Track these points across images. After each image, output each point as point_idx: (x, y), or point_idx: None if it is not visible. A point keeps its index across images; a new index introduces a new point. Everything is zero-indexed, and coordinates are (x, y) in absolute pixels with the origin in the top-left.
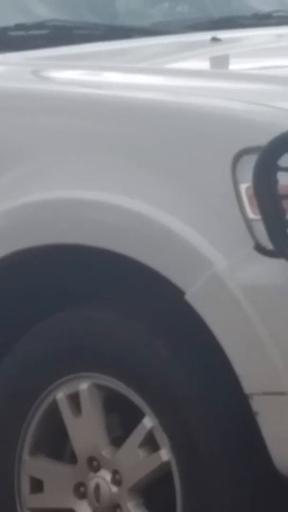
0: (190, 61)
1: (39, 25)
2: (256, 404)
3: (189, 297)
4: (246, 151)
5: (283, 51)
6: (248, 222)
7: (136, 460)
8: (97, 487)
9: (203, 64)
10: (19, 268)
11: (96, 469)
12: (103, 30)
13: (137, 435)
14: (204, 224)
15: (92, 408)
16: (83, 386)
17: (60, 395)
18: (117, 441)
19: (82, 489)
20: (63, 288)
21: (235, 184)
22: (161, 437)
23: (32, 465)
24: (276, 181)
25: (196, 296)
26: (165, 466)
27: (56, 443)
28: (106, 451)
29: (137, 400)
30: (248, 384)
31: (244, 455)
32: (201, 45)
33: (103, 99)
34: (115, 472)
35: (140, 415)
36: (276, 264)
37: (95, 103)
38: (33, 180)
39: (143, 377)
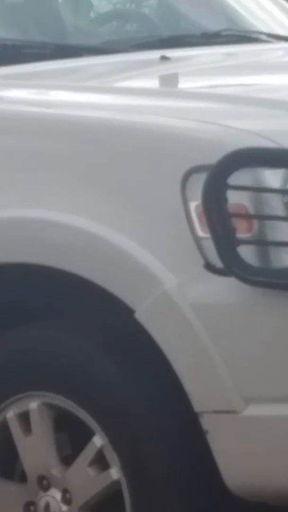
0: (139, 79)
1: None
2: (206, 422)
3: (139, 315)
4: (195, 169)
5: (231, 69)
6: (197, 240)
7: (86, 479)
8: (47, 506)
9: (152, 83)
10: None
11: (46, 488)
12: (52, 49)
13: (87, 454)
14: (153, 242)
15: (42, 427)
16: (33, 405)
17: (10, 414)
18: (67, 460)
19: (32, 508)
20: (12, 307)
21: (185, 202)
22: (111, 456)
23: None
24: (225, 199)
25: (146, 314)
26: (115, 485)
27: (6, 462)
28: (56, 470)
29: (87, 418)
30: (198, 402)
31: (194, 473)
32: (150, 63)
33: (52, 118)
34: (65, 491)
35: (90, 434)
36: (225, 282)
37: (44, 122)
38: None
39: (93, 396)
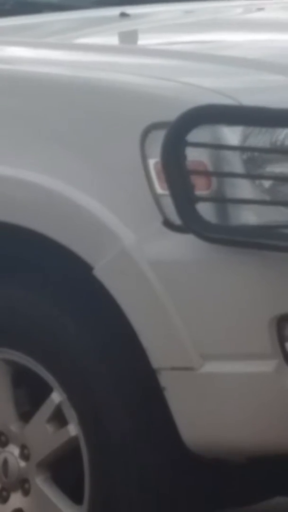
0: (99, 36)
1: None
2: (164, 379)
3: (98, 272)
4: (154, 126)
5: (191, 27)
6: (156, 197)
7: (44, 435)
8: (5, 462)
9: (112, 39)
10: None
11: (4, 444)
12: (12, 4)
13: (45, 410)
14: (112, 199)
15: (0, 383)
16: None
17: None
18: (26, 416)
19: None
20: None
21: (144, 159)
22: (69, 412)
23: None
24: (184, 157)
25: (104, 271)
26: (73, 441)
27: None
28: (14, 426)
29: (45, 375)
30: (156, 359)
31: (152, 430)
32: (110, 20)
33: (11, 74)
34: (23, 447)
35: (48, 390)
36: (184, 239)
37: (2, 78)
38: None
39: (51, 352)
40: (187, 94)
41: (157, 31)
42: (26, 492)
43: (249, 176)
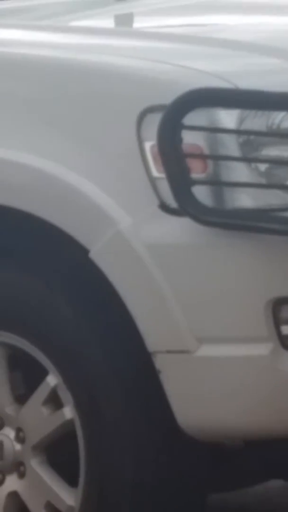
0: (94, 19)
1: None
2: (159, 362)
3: (93, 254)
4: (150, 109)
5: (187, 9)
6: (152, 180)
7: (39, 417)
8: (1, 445)
9: (107, 22)
10: None
11: None
12: None
13: (41, 393)
14: (109, 182)
15: None
16: None
17: None
18: (21, 398)
19: None
20: None
21: (140, 142)
22: (65, 395)
23: None
24: (180, 140)
25: (100, 253)
26: (69, 424)
27: None
28: (9, 409)
29: (41, 357)
30: (151, 342)
31: (147, 413)
32: (106, 3)
33: (6, 56)
34: (18, 430)
35: (44, 373)
36: (180, 222)
37: None
38: None
39: (47, 335)
40: (183, 77)
41: (153, 13)
42: (21, 475)
43: (245, 159)
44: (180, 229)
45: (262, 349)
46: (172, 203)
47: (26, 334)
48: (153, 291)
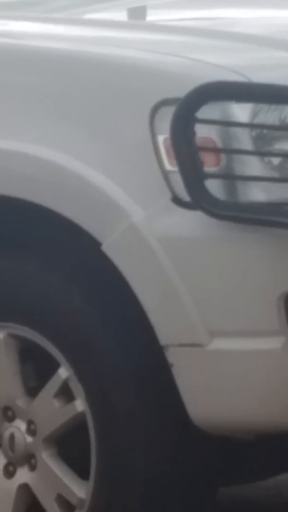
0: (108, 12)
1: None
2: (172, 356)
3: (106, 247)
4: (164, 103)
5: (201, 3)
6: (165, 174)
7: (51, 410)
8: (12, 437)
9: (121, 15)
10: None
11: (11, 419)
12: None
13: (52, 385)
14: (121, 175)
15: (7, 358)
16: None
17: None
18: (33, 391)
19: None
20: None
21: (153, 135)
22: (76, 388)
23: None
24: (193, 133)
25: (112, 246)
26: (80, 417)
27: None
28: (21, 401)
29: (53, 350)
30: (164, 335)
31: (158, 406)
32: None
33: (21, 49)
34: (30, 422)
35: (55, 366)
36: (192, 216)
37: (13, 53)
38: None
39: (58, 328)
40: (197, 71)
41: (167, 6)
42: (32, 467)
43: (258, 153)
44: (192, 222)
45: (274, 343)
46: (184, 196)
47: (38, 327)
48: (165, 284)
